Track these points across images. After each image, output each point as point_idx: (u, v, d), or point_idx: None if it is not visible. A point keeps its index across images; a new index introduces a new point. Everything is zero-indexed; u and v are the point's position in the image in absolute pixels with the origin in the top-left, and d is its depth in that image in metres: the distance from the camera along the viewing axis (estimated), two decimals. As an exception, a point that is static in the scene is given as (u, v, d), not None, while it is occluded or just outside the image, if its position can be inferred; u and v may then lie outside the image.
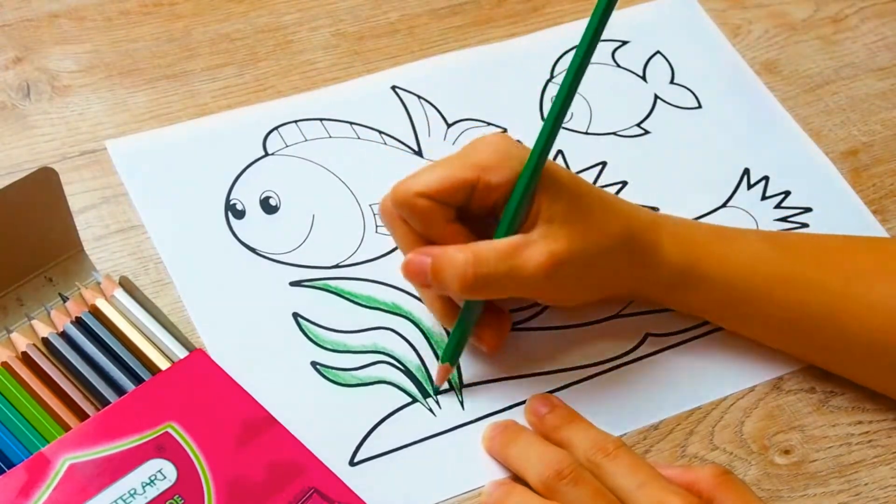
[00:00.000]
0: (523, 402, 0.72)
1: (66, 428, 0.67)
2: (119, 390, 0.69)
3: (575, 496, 0.65)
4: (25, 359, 0.70)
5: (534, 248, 0.69)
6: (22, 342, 0.70)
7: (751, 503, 0.65)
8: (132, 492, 0.64)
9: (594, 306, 0.76)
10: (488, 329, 0.73)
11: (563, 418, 0.70)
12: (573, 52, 0.69)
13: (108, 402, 0.68)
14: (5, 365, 0.69)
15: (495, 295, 0.70)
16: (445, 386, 0.73)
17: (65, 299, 0.73)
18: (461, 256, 0.68)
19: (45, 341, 0.71)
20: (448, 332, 0.74)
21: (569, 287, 0.71)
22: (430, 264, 0.69)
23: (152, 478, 0.65)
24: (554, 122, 0.69)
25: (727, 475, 0.67)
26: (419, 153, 0.83)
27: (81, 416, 0.68)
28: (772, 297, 0.73)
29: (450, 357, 0.72)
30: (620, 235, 0.71)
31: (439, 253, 0.69)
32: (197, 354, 0.70)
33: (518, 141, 0.74)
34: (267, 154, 0.82)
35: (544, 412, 0.71)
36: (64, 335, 0.71)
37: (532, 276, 0.69)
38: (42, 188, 0.71)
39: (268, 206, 0.79)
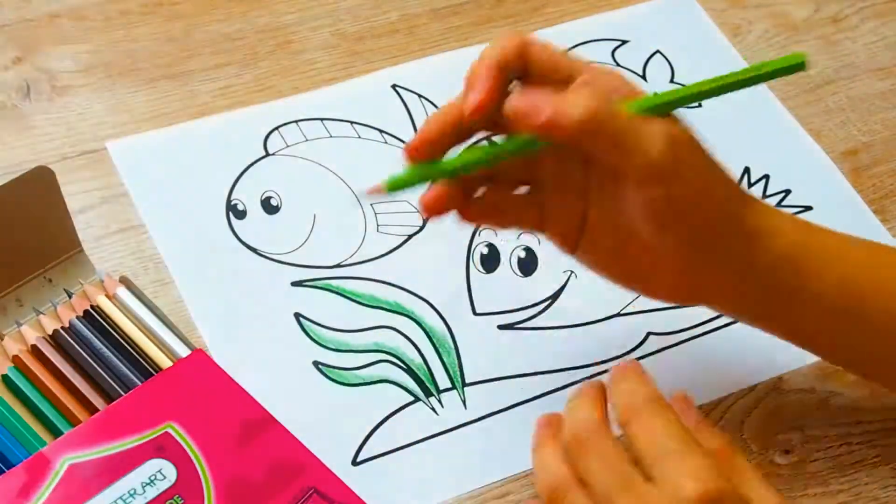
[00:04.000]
0: (525, 402, 0.72)
1: (75, 422, 0.67)
2: (124, 385, 0.69)
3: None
4: (16, 361, 0.70)
5: (657, 124, 0.62)
6: (13, 347, 0.70)
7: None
8: (132, 492, 0.64)
9: (597, 305, 0.76)
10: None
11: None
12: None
13: (110, 399, 0.68)
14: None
15: (604, 150, 0.61)
16: (447, 384, 0.73)
17: (69, 295, 0.72)
18: (589, 89, 0.61)
19: (41, 340, 0.71)
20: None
21: (685, 206, 0.62)
22: (554, 95, 0.61)
23: (152, 478, 0.65)
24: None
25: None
26: (420, 152, 0.83)
27: (91, 409, 0.67)
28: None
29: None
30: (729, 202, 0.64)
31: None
32: (197, 354, 0.70)
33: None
34: (268, 154, 0.82)
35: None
36: (69, 330, 0.71)
37: (652, 140, 0.61)
38: (38, 187, 0.70)
39: (269, 206, 0.79)
